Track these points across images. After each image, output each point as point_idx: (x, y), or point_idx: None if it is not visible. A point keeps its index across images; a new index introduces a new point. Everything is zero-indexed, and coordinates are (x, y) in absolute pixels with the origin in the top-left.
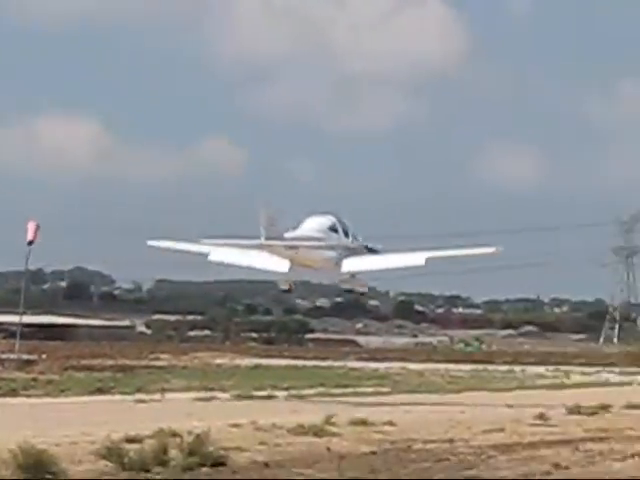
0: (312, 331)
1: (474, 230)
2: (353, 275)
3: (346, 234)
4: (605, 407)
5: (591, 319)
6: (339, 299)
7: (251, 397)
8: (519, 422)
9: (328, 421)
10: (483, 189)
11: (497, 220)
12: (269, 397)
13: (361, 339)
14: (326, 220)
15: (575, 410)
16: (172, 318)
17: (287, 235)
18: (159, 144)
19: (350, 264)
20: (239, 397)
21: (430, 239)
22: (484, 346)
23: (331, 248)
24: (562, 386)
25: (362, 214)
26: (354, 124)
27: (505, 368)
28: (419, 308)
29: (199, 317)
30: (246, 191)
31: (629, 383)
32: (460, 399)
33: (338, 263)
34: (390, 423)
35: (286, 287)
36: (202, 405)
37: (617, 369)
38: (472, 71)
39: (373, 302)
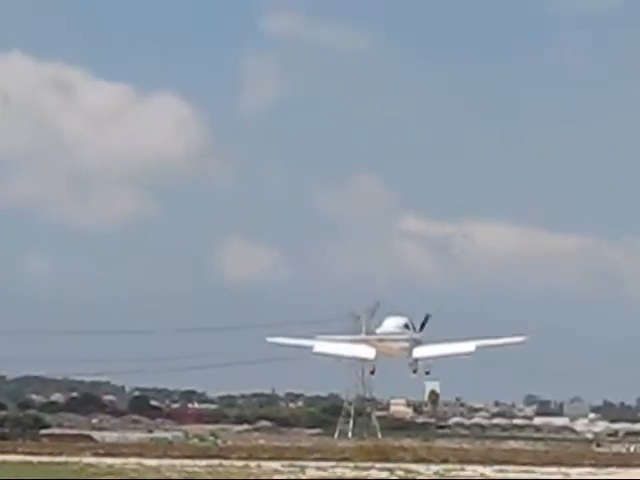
0: (47, 426)
1: (211, 326)
2: (417, 360)
3: (414, 329)
4: None
5: (326, 414)
6: (74, 394)
7: None
8: None
9: None
10: (218, 286)
11: (233, 316)
12: None
13: (96, 434)
14: (402, 320)
15: None
16: None
17: (378, 331)
18: None
19: (419, 352)
20: None
21: (171, 335)
22: (219, 441)
23: (406, 341)
24: None
25: (98, 305)
26: (88, 219)
27: (241, 463)
28: (154, 403)
29: None
30: None
31: (364, 478)
32: None
33: (410, 351)
34: None
35: (371, 369)
36: None
37: (352, 464)
38: (206, 167)
39: (108, 397)
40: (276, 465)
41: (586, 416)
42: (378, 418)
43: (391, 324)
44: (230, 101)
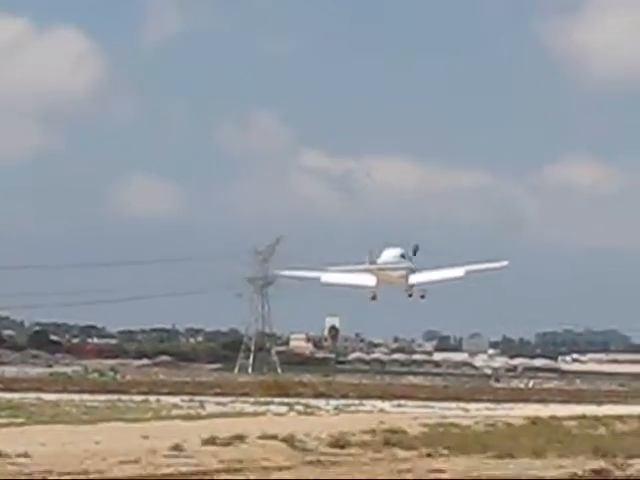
0: None
1: (112, 261)
2: (413, 286)
3: (409, 259)
4: (240, 437)
5: (226, 349)
6: None
7: None
8: (155, 453)
9: None
10: (120, 221)
11: (134, 251)
12: None
13: None
14: (398, 250)
15: (210, 441)
16: None
17: (379, 261)
18: None
19: (414, 278)
20: None
21: (72, 269)
22: (119, 376)
23: (404, 269)
24: (197, 417)
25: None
26: None
27: (140, 398)
28: (54, 338)
29: None
30: None
31: (263, 413)
32: (95, 430)
33: (407, 278)
34: (25, 455)
35: (372, 295)
36: None
37: (251, 399)
38: (108, 102)
39: (8, 332)
40: (175, 400)
41: (485, 351)
42: (278, 353)
43: (389, 255)
44: (131, 35)
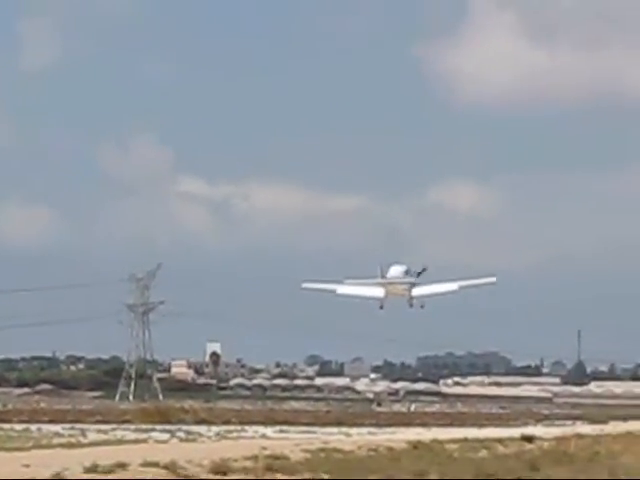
0: None
1: None
2: (413, 297)
3: (412, 275)
4: (122, 465)
5: (107, 376)
6: None
7: None
8: None
9: None
10: None
11: (13, 279)
12: None
13: None
14: (403, 267)
15: (92, 469)
16: None
17: (388, 276)
18: None
19: (416, 291)
20: None
21: None
22: (0, 405)
23: (407, 284)
24: (79, 445)
25: None
26: None
27: (21, 427)
28: None
29: None
30: None
31: (145, 440)
32: None
33: (410, 291)
34: None
35: (380, 305)
36: None
37: (133, 426)
38: None
39: None
40: (57, 428)
41: (367, 376)
42: (159, 380)
43: (396, 271)
44: (10, 60)
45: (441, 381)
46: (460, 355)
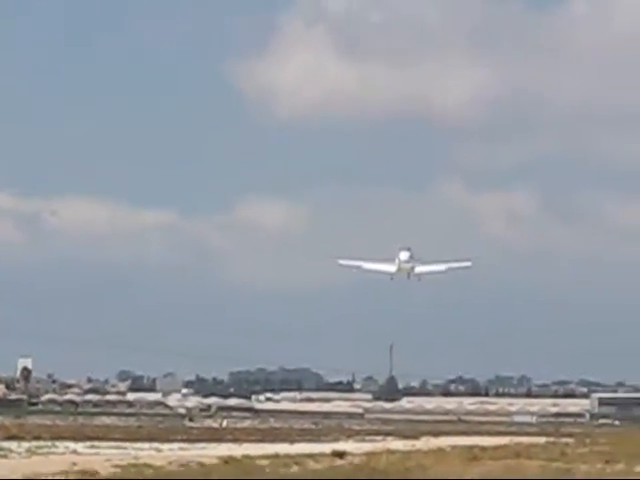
0: None
1: None
2: (416, 274)
3: (413, 258)
4: None
5: None
6: None
7: None
8: None
9: None
10: None
11: None
12: None
13: None
14: (409, 251)
15: None
16: None
17: (401, 257)
18: None
19: (419, 269)
20: None
21: None
22: None
23: (412, 263)
24: None
25: None
26: None
27: None
28: None
29: None
30: None
31: None
32: None
33: (413, 269)
34: None
35: (390, 277)
36: None
37: None
38: None
39: None
40: None
41: (179, 391)
42: None
43: (405, 254)
44: None
45: (253, 397)
46: (272, 371)
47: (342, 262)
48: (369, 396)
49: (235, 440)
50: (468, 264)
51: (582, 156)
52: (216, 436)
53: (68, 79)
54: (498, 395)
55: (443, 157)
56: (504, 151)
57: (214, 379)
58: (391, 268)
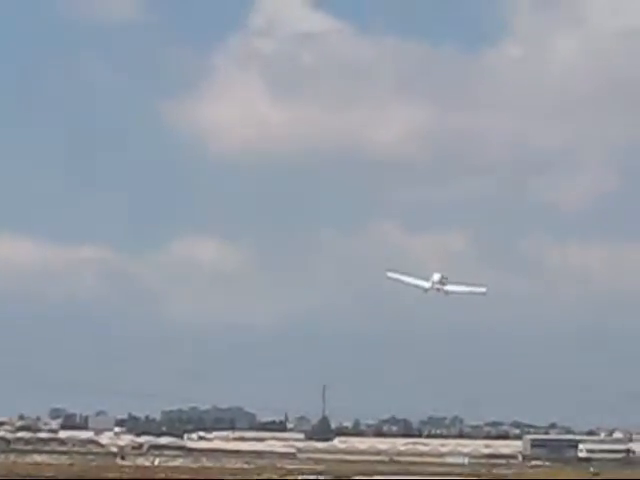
0: None
1: None
2: (446, 291)
3: (444, 279)
4: None
5: None
6: None
7: None
8: None
9: None
10: None
11: None
12: None
13: None
14: (440, 273)
15: None
16: None
17: (434, 278)
18: None
19: (450, 288)
20: None
21: None
22: None
23: (444, 283)
24: None
25: None
26: None
27: None
28: None
29: None
30: None
31: None
32: None
33: (444, 287)
34: None
35: (424, 291)
36: None
37: None
38: None
39: None
40: None
41: (111, 429)
42: None
43: (437, 275)
44: None
45: (186, 435)
46: (205, 409)
47: (390, 275)
48: (302, 436)
49: (167, 479)
50: (483, 290)
51: (518, 197)
52: (148, 474)
53: None
54: (430, 436)
55: (377, 198)
56: (439, 192)
57: (146, 417)
58: (426, 284)
